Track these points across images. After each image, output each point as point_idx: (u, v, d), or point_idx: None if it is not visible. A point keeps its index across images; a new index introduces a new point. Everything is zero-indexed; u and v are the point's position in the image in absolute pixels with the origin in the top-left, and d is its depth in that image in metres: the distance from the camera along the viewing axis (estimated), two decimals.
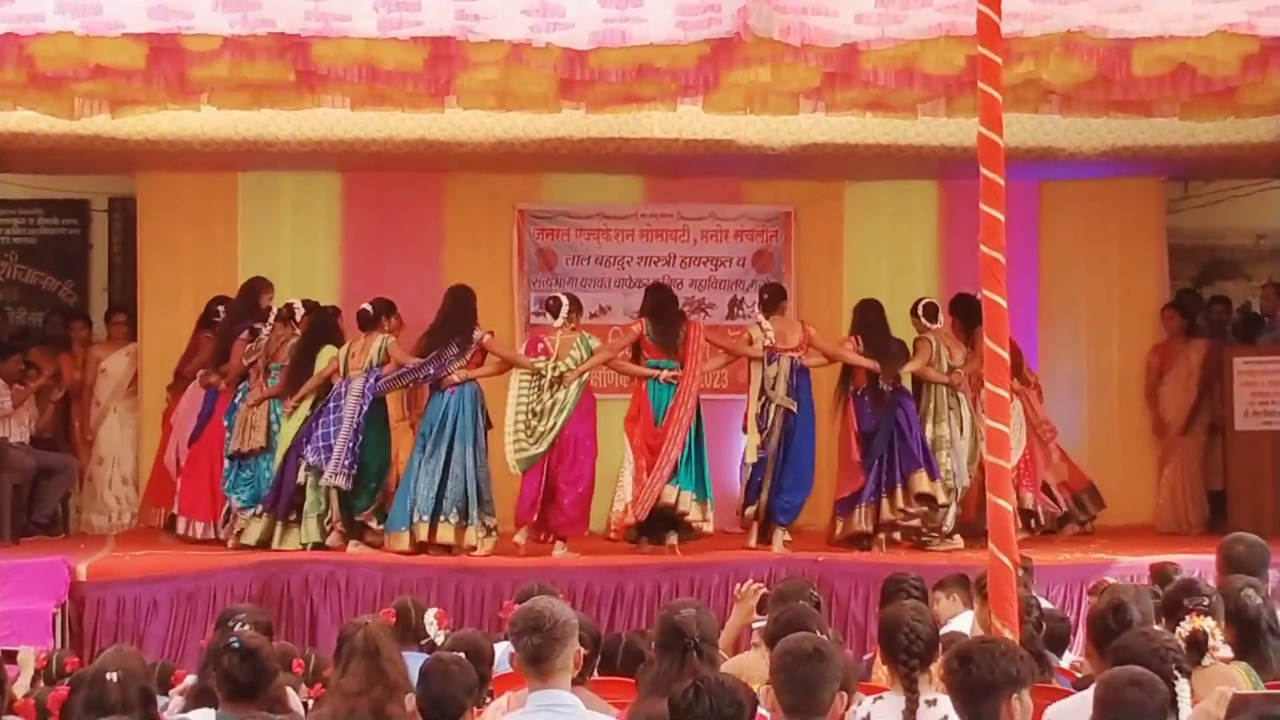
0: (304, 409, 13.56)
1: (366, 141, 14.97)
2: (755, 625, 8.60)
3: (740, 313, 15.95)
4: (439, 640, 8.04)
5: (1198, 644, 7.04)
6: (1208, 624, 7.16)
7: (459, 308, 13.63)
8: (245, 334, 14.08)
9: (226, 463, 13.72)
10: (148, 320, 15.97)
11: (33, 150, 14.78)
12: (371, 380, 13.34)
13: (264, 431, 13.64)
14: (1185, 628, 7.14)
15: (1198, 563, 11.25)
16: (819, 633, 6.69)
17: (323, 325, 13.93)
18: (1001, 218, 7.19)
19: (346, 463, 13.13)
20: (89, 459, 15.70)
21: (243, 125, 14.62)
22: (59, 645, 11.23)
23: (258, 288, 14.47)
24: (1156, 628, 7.10)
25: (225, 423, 13.92)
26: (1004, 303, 7.25)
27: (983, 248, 7.20)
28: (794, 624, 6.94)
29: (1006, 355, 7.30)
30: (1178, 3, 10.97)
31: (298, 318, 13.91)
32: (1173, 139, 15.10)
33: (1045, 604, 9.42)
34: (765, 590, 8.84)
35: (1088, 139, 15.26)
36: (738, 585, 9.21)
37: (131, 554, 13.10)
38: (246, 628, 6.89)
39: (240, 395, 13.95)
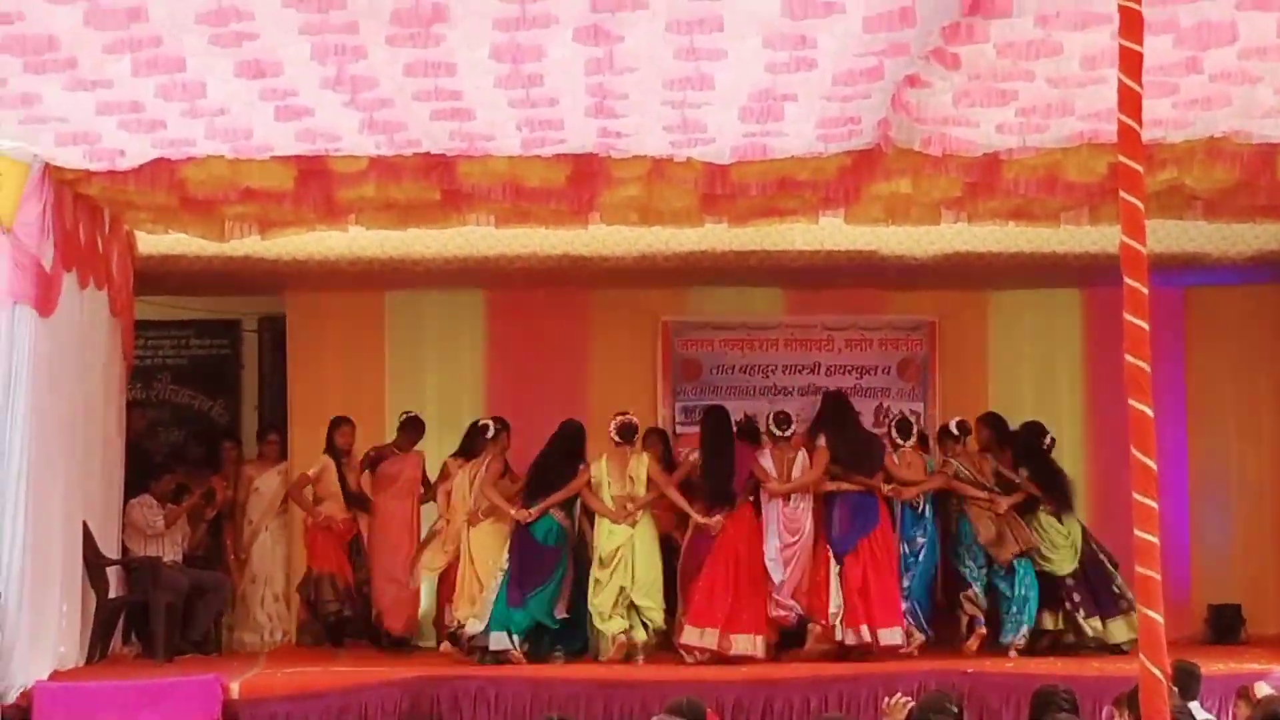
0: None
1: (511, 258, 15.11)
2: None
3: (885, 420, 15.86)
4: None
5: None
6: None
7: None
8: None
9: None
10: (297, 438, 16.10)
11: (184, 272, 15.03)
12: None
13: None
14: None
15: None
16: None
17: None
18: (1146, 327, 7.12)
19: None
20: (241, 577, 15.84)
21: (389, 244, 14.79)
22: None
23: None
24: None
25: None
26: (1150, 412, 7.18)
27: (1128, 357, 7.14)
28: None
29: (1155, 466, 7.20)
30: None
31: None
32: None
33: (1203, 715, 9.30)
34: (912, 704, 8.77)
35: (1234, 244, 15.14)
36: (885, 699, 9.14)
37: (283, 671, 13.16)
38: None
39: None
